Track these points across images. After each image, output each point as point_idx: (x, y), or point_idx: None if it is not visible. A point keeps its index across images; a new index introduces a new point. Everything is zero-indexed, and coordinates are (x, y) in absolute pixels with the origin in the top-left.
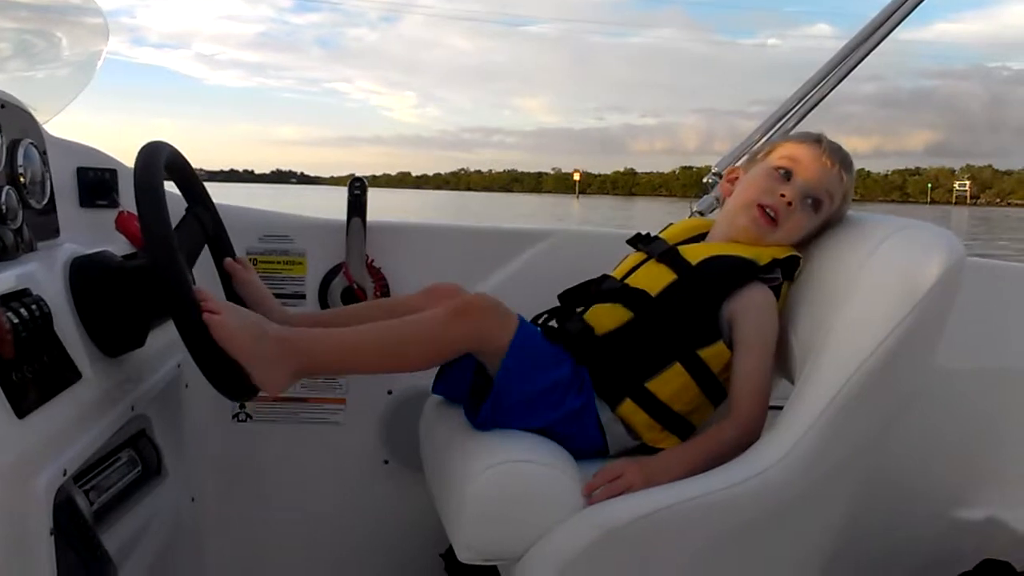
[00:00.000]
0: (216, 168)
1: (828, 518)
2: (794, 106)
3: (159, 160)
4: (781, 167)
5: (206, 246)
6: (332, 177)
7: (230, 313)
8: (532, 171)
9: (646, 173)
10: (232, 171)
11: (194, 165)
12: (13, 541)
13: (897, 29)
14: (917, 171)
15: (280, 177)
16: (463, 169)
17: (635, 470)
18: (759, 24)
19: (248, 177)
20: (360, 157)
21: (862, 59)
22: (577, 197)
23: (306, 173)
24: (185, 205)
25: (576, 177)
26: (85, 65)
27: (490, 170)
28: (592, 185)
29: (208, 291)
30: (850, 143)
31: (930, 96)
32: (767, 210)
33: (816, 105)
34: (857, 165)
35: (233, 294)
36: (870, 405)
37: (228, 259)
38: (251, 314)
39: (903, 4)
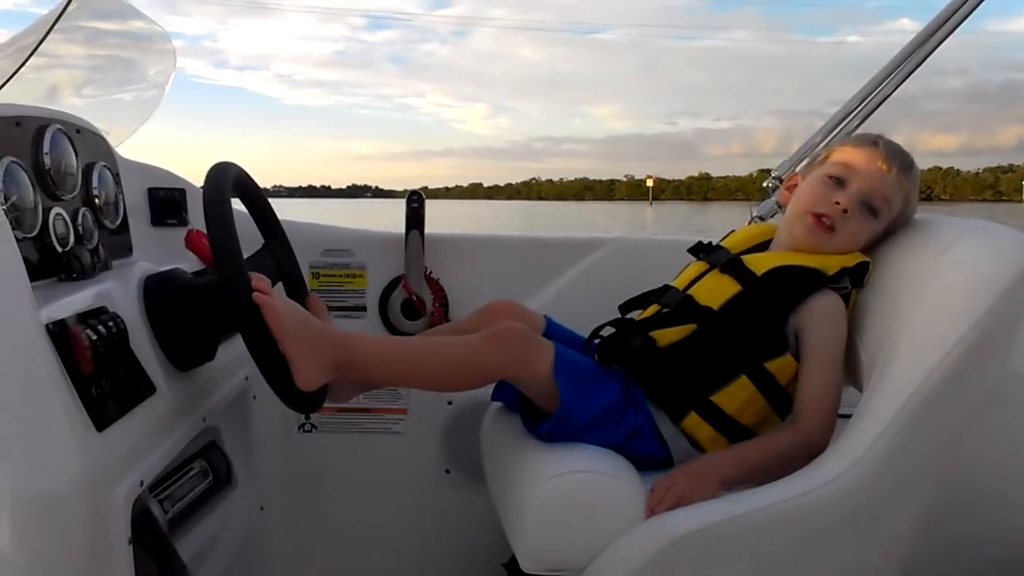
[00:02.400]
0: (295, 184)
1: (899, 529)
2: (858, 105)
3: (227, 179)
4: (834, 175)
5: (280, 283)
6: (405, 190)
7: (280, 299)
8: (604, 178)
9: (722, 177)
10: (310, 187)
11: (273, 182)
12: (95, 549)
13: (984, 21)
14: (1011, 168)
15: (356, 192)
16: (534, 178)
17: (682, 477)
18: (838, 21)
19: (325, 192)
20: (432, 170)
21: (928, 55)
22: (651, 203)
23: (380, 187)
24: (253, 226)
25: (649, 183)
26: (155, 89)
27: (561, 179)
28: (665, 191)
29: (264, 278)
30: (936, 141)
31: (1020, 89)
32: (822, 218)
33: (880, 104)
34: (945, 163)
35: None
36: (941, 412)
37: (311, 297)
38: (299, 306)
39: None
